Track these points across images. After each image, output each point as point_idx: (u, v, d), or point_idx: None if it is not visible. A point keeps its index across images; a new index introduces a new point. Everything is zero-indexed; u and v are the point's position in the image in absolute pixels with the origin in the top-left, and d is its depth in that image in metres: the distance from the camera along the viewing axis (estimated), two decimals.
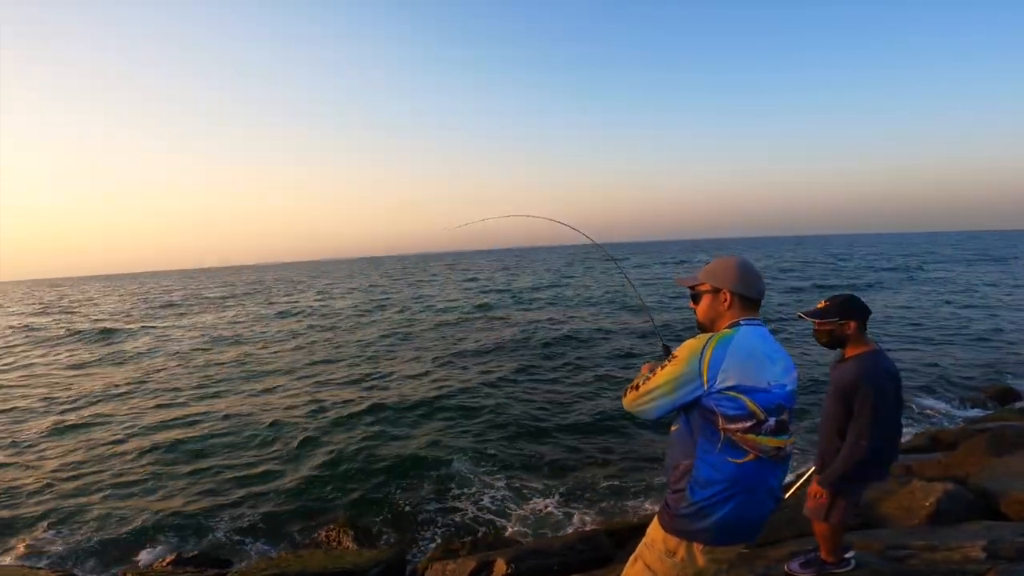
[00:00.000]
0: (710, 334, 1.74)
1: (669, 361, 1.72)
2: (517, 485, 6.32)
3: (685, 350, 1.70)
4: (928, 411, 8.23)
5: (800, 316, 2.88)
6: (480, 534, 5.23)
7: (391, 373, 12.11)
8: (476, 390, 10.37)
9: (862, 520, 3.90)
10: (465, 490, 6.24)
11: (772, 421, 1.64)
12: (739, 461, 1.66)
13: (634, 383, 1.81)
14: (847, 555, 3.05)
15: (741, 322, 1.75)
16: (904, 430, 7.13)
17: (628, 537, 4.51)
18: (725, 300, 1.80)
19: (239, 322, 23.31)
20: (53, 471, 7.08)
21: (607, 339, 14.59)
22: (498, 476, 6.57)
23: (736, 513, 1.68)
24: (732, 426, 1.64)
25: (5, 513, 6.02)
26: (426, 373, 11.90)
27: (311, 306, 28.54)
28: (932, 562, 2.92)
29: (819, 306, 2.77)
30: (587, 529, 5.23)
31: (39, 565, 4.96)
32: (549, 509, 5.80)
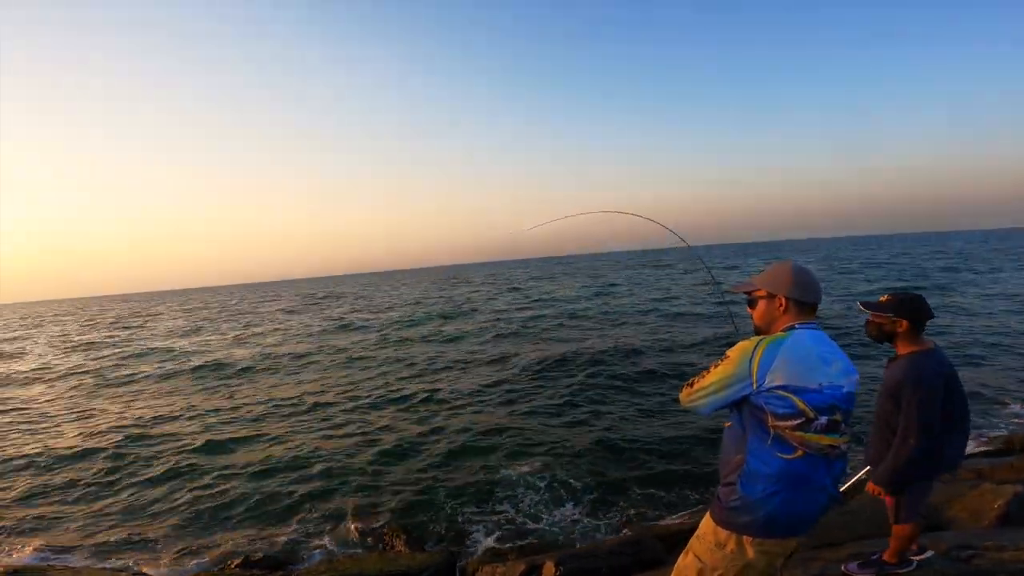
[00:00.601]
0: (762, 336, 1.82)
1: (722, 361, 1.81)
2: (567, 490, 6.33)
3: (736, 351, 1.79)
4: (1008, 416, 7.80)
5: (860, 305, 2.87)
6: (528, 538, 5.29)
7: (446, 375, 12.34)
8: (529, 396, 10.45)
9: (928, 523, 3.74)
10: (514, 494, 6.31)
11: (823, 420, 1.69)
12: (788, 457, 1.72)
13: (690, 380, 1.90)
14: (916, 556, 2.98)
15: (796, 326, 1.82)
16: (979, 433, 6.75)
17: (679, 541, 4.45)
18: (780, 305, 1.87)
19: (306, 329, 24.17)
20: (128, 475, 7.60)
21: (686, 348, 14.28)
22: (547, 481, 6.59)
23: (785, 507, 1.74)
24: (781, 423, 1.70)
25: (86, 516, 6.49)
26: (475, 377, 12.06)
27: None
28: (999, 561, 2.79)
29: (881, 300, 2.77)
30: (637, 532, 5.18)
31: (117, 566, 5.34)
32: (599, 513, 5.78)
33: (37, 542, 5.89)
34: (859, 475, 3.32)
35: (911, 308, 2.67)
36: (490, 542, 5.35)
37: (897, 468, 2.59)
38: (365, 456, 7.87)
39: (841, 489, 3.30)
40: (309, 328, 26.13)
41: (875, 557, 3.03)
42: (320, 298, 54.08)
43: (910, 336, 2.68)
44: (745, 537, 1.79)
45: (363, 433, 8.97)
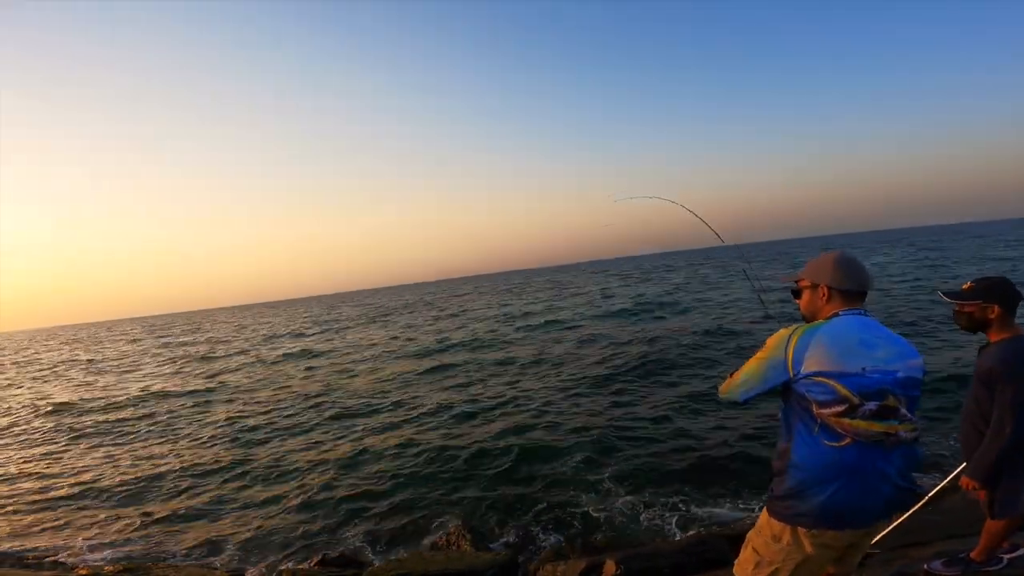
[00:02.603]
0: (799, 324, 1.81)
1: (760, 350, 1.81)
2: (633, 490, 6.21)
3: (773, 339, 1.79)
4: None
5: (942, 296, 2.70)
6: (591, 537, 5.23)
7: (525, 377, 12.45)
8: (593, 397, 10.35)
9: None
10: (578, 494, 6.26)
11: (872, 405, 1.62)
12: (836, 445, 1.66)
13: (732, 371, 1.91)
14: (1008, 554, 2.75)
15: (840, 312, 1.80)
16: None
17: None
18: (823, 295, 1.86)
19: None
20: (217, 475, 8.23)
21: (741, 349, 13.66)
22: (613, 480, 6.50)
23: (839, 497, 1.67)
24: (825, 410, 1.65)
25: (179, 515, 7.09)
26: (542, 377, 12.07)
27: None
28: None
29: (964, 287, 2.60)
30: (704, 532, 4.99)
31: (212, 564, 5.80)
32: (665, 514, 5.62)
33: (132, 539, 6.51)
34: (955, 472, 3.05)
35: (1001, 292, 2.49)
36: (552, 541, 5.35)
37: (991, 459, 2.44)
38: (436, 456, 8.09)
39: (938, 487, 3.04)
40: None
41: (962, 555, 2.82)
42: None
43: (1002, 322, 2.50)
44: (800, 529, 1.73)
45: (445, 434, 9.21)
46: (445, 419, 10.16)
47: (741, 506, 5.57)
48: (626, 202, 4.03)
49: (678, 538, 4.96)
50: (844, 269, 1.83)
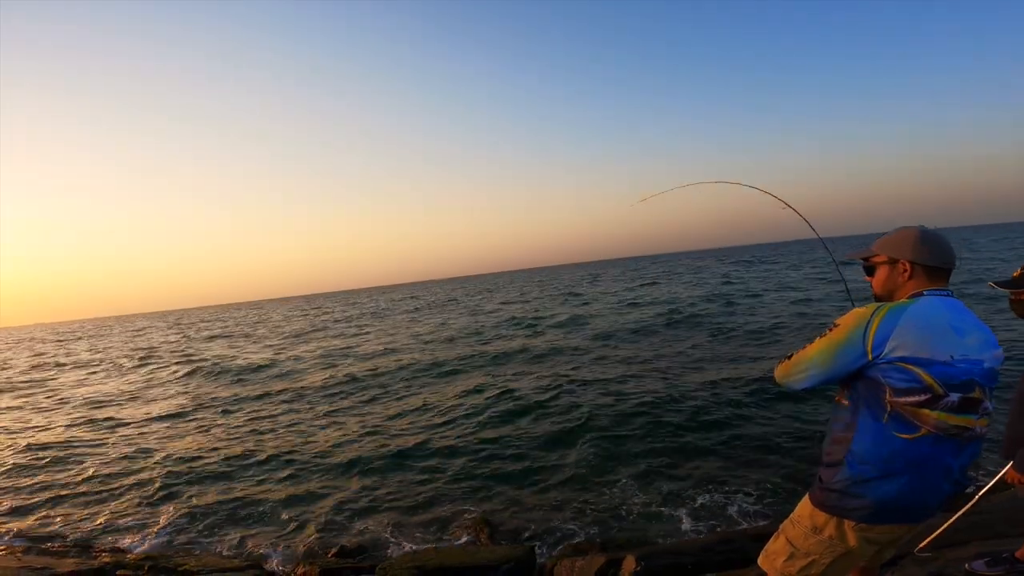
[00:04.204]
0: (880, 303, 1.63)
1: (830, 329, 1.63)
2: (655, 486, 6.08)
3: (850, 318, 1.61)
4: None
5: (991, 286, 2.55)
6: (610, 533, 5.13)
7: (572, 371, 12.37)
8: (620, 390, 10.21)
9: None
10: (599, 490, 6.14)
11: (955, 397, 1.50)
12: (909, 436, 1.53)
13: (789, 353, 1.74)
14: None
15: (925, 292, 1.64)
16: None
17: None
18: (905, 271, 1.68)
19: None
20: (238, 468, 8.30)
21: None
22: (635, 477, 6.37)
23: (902, 492, 1.55)
24: (901, 399, 1.52)
25: (198, 506, 7.15)
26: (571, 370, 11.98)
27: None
28: None
29: (1015, 275, 2.46)
30: (729, 531, 4.85)
31: (231, 554, 5.84)
32: (687, 511, 5.48)
33: (151, 531, 6.59)
34: (1004, 470, 2.90)
35: None
36: (571, 536, 5.25)
37: None
38: (451, 449, 8.06)
39: (989, 483, 2.88)
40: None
41: (1006, 555, 2.66)
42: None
43: None
44: (847, 522, 1.63)
45: (467, 424, 9.19)
46: (477, 414, 10.12)
47: (768, 503, 5.39)
48: (690, 185, 3.67)
49: (701, 535, 4.83)
50: (930, 243, 1.66)
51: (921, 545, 2.70)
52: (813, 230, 2.69)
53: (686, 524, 5.28)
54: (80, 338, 59.01)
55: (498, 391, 11.38)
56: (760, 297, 23.73)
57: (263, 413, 12.17)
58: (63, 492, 8.04)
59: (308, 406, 12.40)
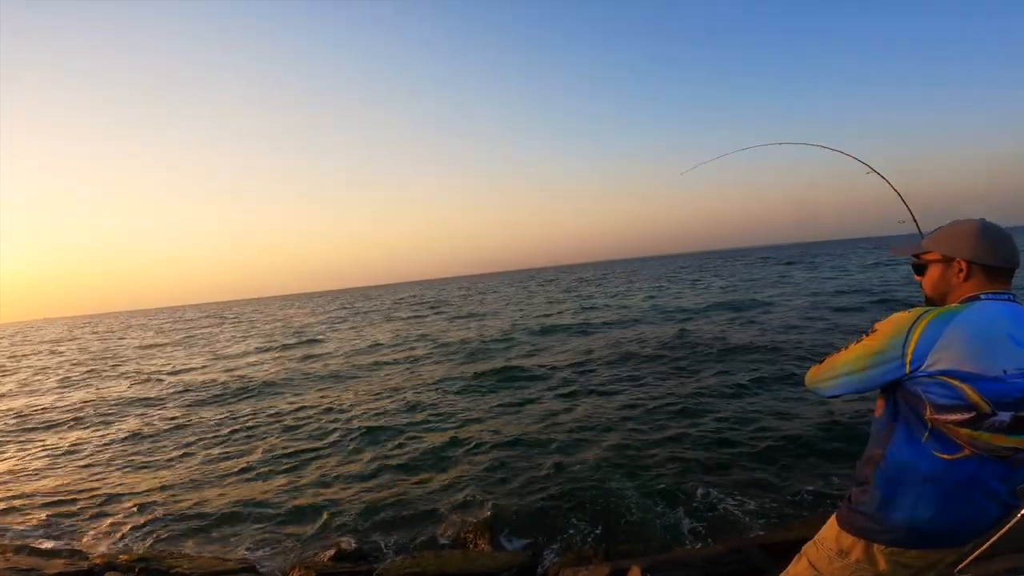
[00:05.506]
0: (927, 308, 1.47)
1: (868, 334, 1.49)
2: (664, 492, 5.92)
3: (890, 324, 1.45)
4: None
5: None
6: (615, 541, 4.98)
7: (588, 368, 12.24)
8: (632, 391, 10.07)
9: None
10: (604, 496, 5.98)
11: (1005, 416, 1.33)
12: (948, 457, 1.40)
13: (823, 357, 1.60)
14: None
15: (982, 296, 1.46)
16: None
17: (788, 551, 3.97)
18: (960, 271, 1.50)
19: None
20: (234, 469, 8.18)
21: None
22: (643, 482, 6.22)
23: (940, 515, 1.42)
24: (942, 417, 1.37)
25: (192, 508, 7.03)
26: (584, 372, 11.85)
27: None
28: None
29: None
30: (739, 541, 4.70)
31: (226, 554, 5.70)
32: (696, 520, 5.32)
33: (147, 529, 6.47)
34: None
35: None
36: (574, 543, 5.11)
37: None
38: (457, 452, 7.93)
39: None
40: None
41: None
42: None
43: None
44: (877, 546, 1.49)
45: (469, 427, 9.03)
46: (481, 415, 9.98)
47: (783, 513, 5.23)
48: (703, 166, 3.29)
49: (711, 547, 4.68)
50: (992, 239, 1.47)
51: (961, 566, 2.55)
52: (902, 200, 2.30)
53: (693, 532, 5.13)
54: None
55: (503, 396, 11.26)
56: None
57: (258, 413, 12.05)
58: (56, 493, 7.93)
59: (305, 406, 12.28)
